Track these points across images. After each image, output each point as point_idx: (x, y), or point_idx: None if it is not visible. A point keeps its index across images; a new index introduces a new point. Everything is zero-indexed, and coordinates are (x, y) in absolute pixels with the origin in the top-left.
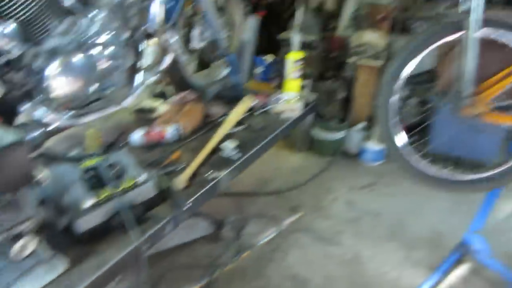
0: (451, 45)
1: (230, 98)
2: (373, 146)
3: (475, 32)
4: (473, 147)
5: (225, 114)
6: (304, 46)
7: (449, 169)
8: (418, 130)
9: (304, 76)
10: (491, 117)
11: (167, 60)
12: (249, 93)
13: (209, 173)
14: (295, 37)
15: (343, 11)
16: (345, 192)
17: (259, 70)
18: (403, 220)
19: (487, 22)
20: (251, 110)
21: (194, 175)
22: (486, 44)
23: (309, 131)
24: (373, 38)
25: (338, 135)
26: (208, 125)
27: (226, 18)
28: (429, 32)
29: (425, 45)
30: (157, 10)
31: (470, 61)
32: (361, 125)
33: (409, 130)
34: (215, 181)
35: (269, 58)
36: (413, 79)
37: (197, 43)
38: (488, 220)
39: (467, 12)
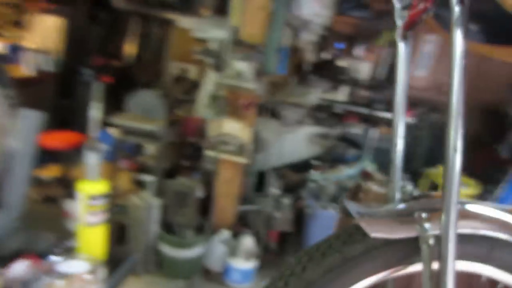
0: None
1: None
2: (240, 263)
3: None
4: None
5: None
6: (146, 135)
7: None
8: None
9: (145, 171)
10: None
11: None
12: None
13: None
14: (90, 156)
15: (202, 88)
16: None
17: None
18: None
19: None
20: None
21: None
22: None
23: (155, 246)
24: (235, 129)
25: (195, 251)
26: None
27: None
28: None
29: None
30: None
31: None
32: (224, 235)
33: None
34: None
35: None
36: None
37: None
38: None
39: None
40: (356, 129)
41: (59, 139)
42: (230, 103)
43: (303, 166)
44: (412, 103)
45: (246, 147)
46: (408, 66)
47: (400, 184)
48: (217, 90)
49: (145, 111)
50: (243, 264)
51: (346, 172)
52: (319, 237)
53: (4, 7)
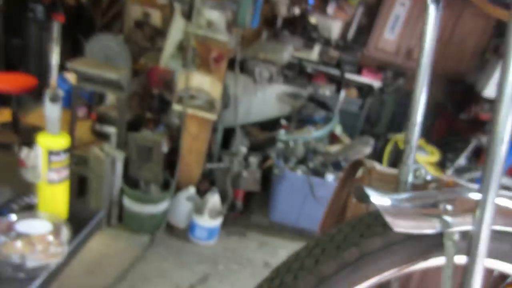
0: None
1: None
2: (205, 221)
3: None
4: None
5: None
6: (108, 84)
7: None
8: None
9: (106, 122)
10: None
11: None
12: None
13: None
14: (51, 107)
15: (168, 36)
16: None
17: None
18: None
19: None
20: None
21: None
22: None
23: (118, 200)
24: (204, 83)
25: (159, 207)
26: None
27: None
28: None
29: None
30: None
31: None
32: (190, 191)
33: None
34: None
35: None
36: None
37: None
38: None
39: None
40: (325, 90)
41: (9, 82)
42: (199, 55)
43: (271, 125)
44: (380, 67)
45: (215, 103)
46: (437, 33)
47: (414, 167)
48: (186, 40)
49: (106, 57)
50: (208, 222)
51: (314, 134)
52: (286, 198)
53: None
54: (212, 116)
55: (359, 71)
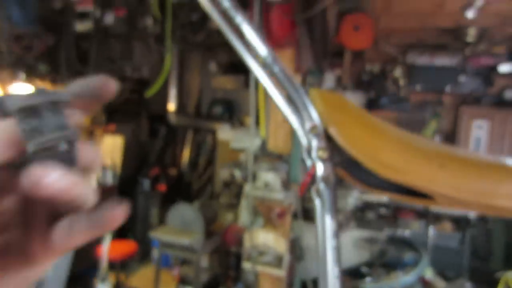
0: None
1: None
2: None
3: None
4: None
5: None
6: (182, 249)
7: None
8: None
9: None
10: None
11: None
12: None
13: None
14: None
15: (243, 196)
16: None
17: (155, 253)
18: None
19: None
20: None
21: None
22: None
23: None
24: (269, 239)
25: None
26: None
27: None
28: None
29: None
30: None
31: None
32: None
33: None
34: None
35: None
36: None
37: None
38: None
39: None
40: (406, 229)
41: (115, 250)
42: (263, 213)
43: (353, 274)
44: None
45: (283, 258)
46: None
47: None
48: (250, 200)
49: (184, 223)
50: None
51: (401, 280)
52: None
53: None
54: (280, 272)
55: None
